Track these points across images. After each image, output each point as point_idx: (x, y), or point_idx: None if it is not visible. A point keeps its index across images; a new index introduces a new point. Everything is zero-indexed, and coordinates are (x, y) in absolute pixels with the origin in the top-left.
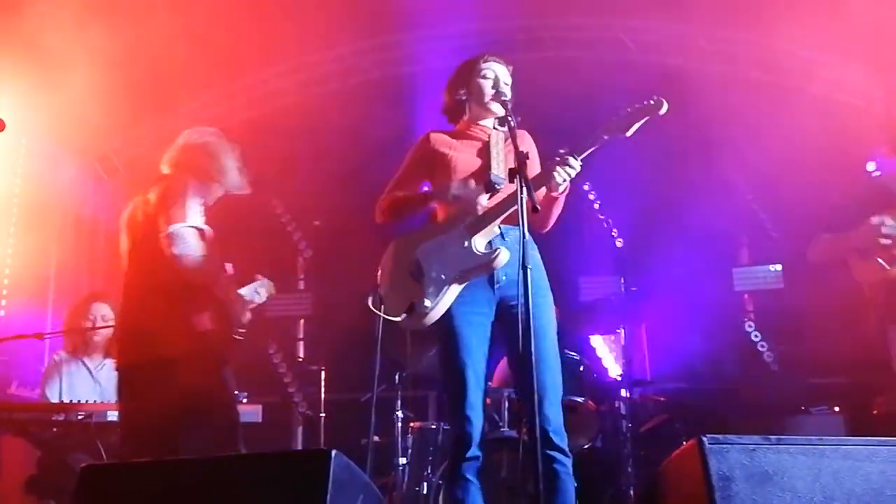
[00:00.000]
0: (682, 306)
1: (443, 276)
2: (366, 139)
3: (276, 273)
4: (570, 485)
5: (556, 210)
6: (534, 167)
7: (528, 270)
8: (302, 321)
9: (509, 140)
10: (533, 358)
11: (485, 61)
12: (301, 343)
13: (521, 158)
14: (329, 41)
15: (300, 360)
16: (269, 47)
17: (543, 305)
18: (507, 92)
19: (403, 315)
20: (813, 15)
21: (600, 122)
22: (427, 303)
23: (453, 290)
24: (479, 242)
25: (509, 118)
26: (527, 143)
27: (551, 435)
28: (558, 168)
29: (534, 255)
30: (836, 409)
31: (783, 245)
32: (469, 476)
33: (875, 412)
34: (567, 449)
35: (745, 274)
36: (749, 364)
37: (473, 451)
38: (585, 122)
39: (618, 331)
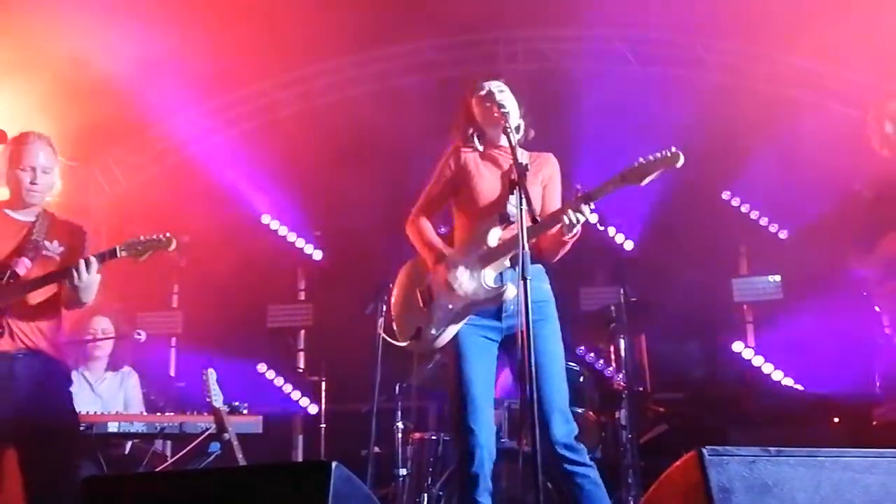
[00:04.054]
0: (681, 316)
1: (450, 306)
2: (367, 151)
3: (276, 284)
4: (598, 493)
5: (565, 248)
6: (555, 195)
7: (528, 281)
8: (303, 332)
9: (538, 162)
10: (530, 369)
11: (477, 85)
12: (302, 354)
13: (521, 170)
14: (329, 52)
15: (301, 370)
16: (269, 58)
17: (551, 330)
18: (506, 103)
19: (410, 340)
20: (815, 26)
21: (616, 171)
22: (433, 330)
23: (460, 320)
24: (488, 275)
25: (508, 132)
26: (550, 167)
27: (563, 452)
28: (570, 212)
29: (543, 287)
30: (836, 419)
31: (783, 255)
32: (481, 499)
33: (875, 423)
34: (585, 460)
35: (745, 284)
36: (749, 374)
37: (478, 467)
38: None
39: (618, 341)
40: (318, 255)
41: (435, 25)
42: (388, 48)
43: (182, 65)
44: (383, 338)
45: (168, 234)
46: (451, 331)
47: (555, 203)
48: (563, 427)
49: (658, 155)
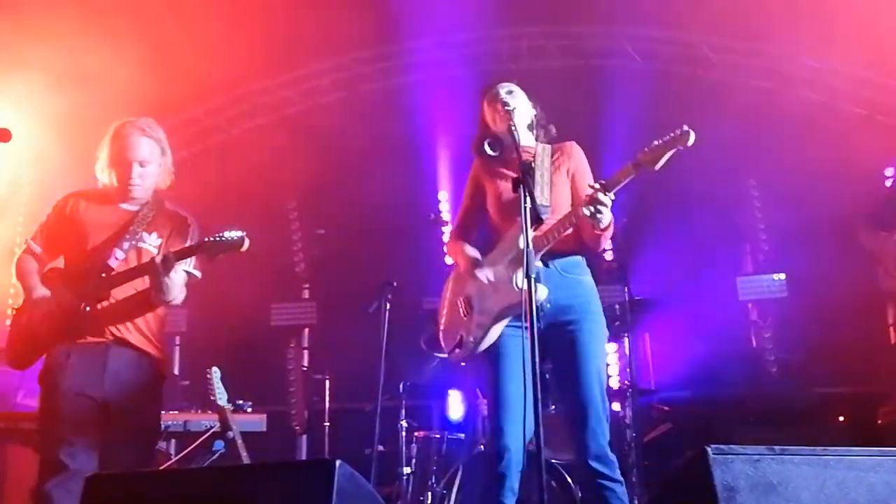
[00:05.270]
0: (686, 315)
1: (487, 313)
2: (370, 148)
3: (280, 282)
4: None
5: (606, 236)
6: (584, 184)
7: (533, 280)
8: (307, 330)
9: (557, 155)
10: (534, 369)
11: (488, 91)
12: (306, 352)
13: (525, 168)
14: (333, 51)
15: (305, 369)
16: (274, 57)
17: (590, 330)
18: (511, 102)
19: (454, 349)
20: (816, 25)
21: (630, 157)
22: (472, 337)
23: (498, 325)
24: (520, 278)
25: (512, 130)
26: (574, 157)
27: (594, 464)
28: (588, 206)
29: (583, 279)
30: (841, 418)
31: (787, 254)
32: (506, 500)
33: (879, 422)
34: (615, 475)
35: (750, 283)
36: (753, 373)
37: (504, 467)
38: (591, 132)
39: (622, 339)
40: (321, 253)
41: (439, 22)
42: (390, 45)
43: (186, 63)
44: (386, 329)
45: (242, 233)
46: (492, 335)
47: (586, 191)
48: (597, 438)
49: (668, 136)
